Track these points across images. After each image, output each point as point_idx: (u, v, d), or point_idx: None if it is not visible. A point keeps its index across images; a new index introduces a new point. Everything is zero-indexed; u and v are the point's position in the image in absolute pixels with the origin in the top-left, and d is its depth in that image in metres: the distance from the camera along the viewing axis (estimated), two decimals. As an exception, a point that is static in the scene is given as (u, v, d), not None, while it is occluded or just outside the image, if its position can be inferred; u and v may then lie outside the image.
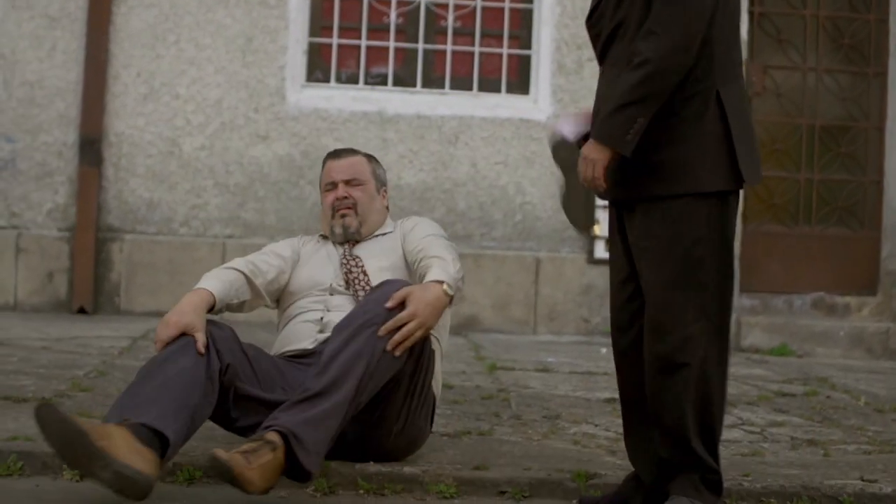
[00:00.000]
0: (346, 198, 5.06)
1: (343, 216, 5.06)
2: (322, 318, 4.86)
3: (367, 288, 4.85)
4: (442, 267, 4.65)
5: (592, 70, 9.42)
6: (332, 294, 4.92)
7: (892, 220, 9.88)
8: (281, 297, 5.06)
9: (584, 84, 9.42)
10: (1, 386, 5.87)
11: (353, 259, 4.99)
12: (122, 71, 9.34)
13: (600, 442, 5.46)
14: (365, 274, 4.93)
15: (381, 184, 5.21)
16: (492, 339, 8.81)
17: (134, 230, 9.34)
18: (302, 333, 4.87)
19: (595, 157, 4.07)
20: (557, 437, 5.46)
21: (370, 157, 5.26)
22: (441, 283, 4.56)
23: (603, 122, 4.07)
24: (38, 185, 9.29)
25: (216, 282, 4.78)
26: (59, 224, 9.29)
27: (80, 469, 4.09)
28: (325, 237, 5.17)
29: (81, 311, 9.11)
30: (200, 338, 4.47)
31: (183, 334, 4.46)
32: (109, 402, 5.53)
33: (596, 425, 5.87)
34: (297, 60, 9.50)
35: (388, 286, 4.53)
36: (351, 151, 5.24)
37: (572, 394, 6.57)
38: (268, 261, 4.98)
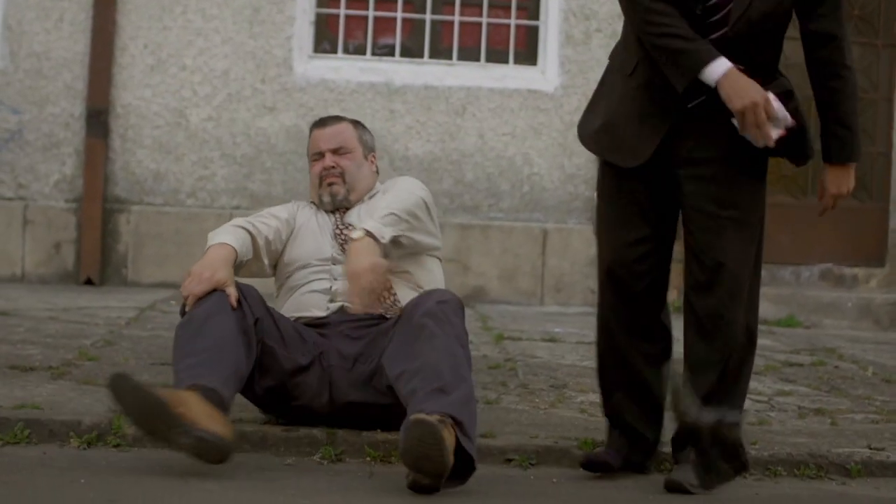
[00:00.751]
0: (333, 167, 5.03)
1: (330, 185, 5.03)
2: (331, 288, 4.86)
3: None
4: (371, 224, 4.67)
5: (600, 41, 9.40)
6: (334, 263, 4.90)
7: (900, 191, 9.86)
8: (279, 267, 5.03)
9: (592, 55, 9.39)
10: (8, 355, 5.88)
11: (346, 227, 4.96)
12: (129, 42, 9.32)
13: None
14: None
15: (369, 149, 5.16)
16: (499, 310, 8.80)
17: (141, 201, 9.33)
18: (312, 302, 4.86)
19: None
20: (564, 406, 5.47)
21: (356, 123, 5.21)
22: (361, 237, 4.56)
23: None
24: (45, 157, 9.28)
25: (232, 237, 4.78)
26: (66, 195, 9.29)
27: (158, 437, 4.11)
28: (315, 204, 5.14)
29: (88, 282, 9.11)
30: (233, 292, 4.53)
31: (213, 289, 4.51)
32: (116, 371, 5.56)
33: (603, 394, 5.87)
34: (304, 31, 9.47)
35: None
36: (336, 119, 5.20)
37: (579, 363, 6.57)
38: (266, 222, 4.96)
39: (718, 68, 4.28)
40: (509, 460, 4.71)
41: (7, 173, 9.26)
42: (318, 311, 4.84)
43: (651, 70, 4.41)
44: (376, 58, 9.57)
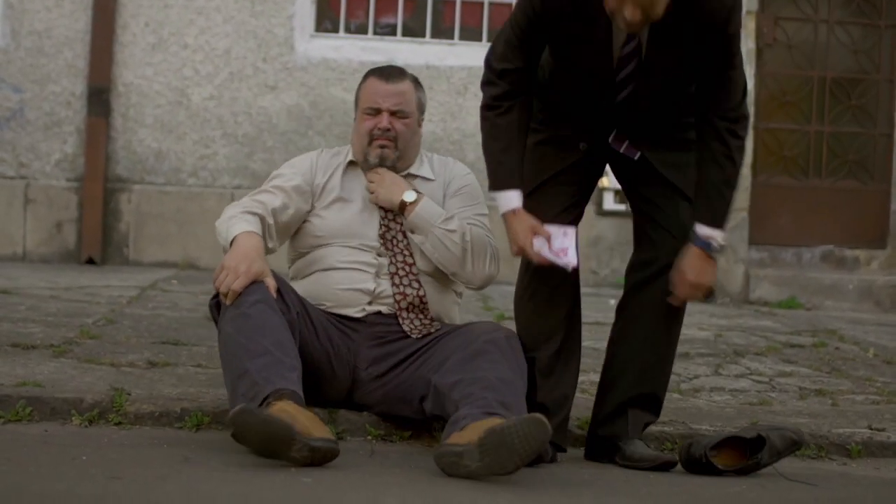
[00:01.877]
0: (388, 129, 4.72)
1: (382, 147, 4.72)
2: (375, 290, 4.66)
3: (407, 255, 4.70)
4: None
5: (602, 21, 9.37)
6: (379, 255, 4.70)
7: (902, 173, 9.85)
8: (296, 237, 4.83)
9: (594, 35, 9.36)
10: (10, 333, 5.88)
11: (395, 219, 4.73)
12: (130, 20, 9.31)
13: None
14: (404, 236, 4.72)
15: (422, 113, 4.84)
16: (500, 291, 8.76)
17: (142, 180, 9.33)
18: (350, 301, 4.67)
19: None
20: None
21: (416, 82, 4.86)
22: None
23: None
24: (47, 136, 9.28)
25: (253, 225, 4.58)
26: (67, 174, 9.28)
27: (276, 455, 4.03)
28: (353, 163, 4.84)
29: (90, 261, 9.11)
30: (272, 283, 4.42)
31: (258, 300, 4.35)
32: (118, 350, 5.59)
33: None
34: (305, 10, 9.45)
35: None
36: (400, 73, 4.81)
37: (580, 344, 6.55)
38: (273, 202, 4.70)
39: (508, 202, 4.43)
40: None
41: (8, 152, 9.26)
42: (355, 313, 4.66)
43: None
44: (378, 37, 9.55)
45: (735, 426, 4.83)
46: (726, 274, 9.45)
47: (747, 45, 9.54)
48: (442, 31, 9.60)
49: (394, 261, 4.68)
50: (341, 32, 9.55)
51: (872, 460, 4.86)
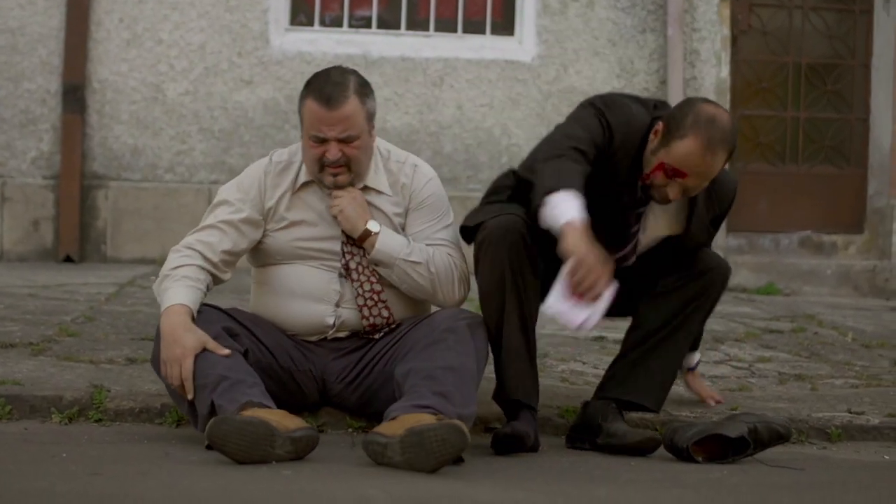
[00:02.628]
0: (339, 158, 4.43)
1: (335, 175, 4.46)
2: (334, 323, 4.56)
3: (374, 282, 4.56)
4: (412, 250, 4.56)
5: (577, 10, 9.39)
6: (342, 276, 4.57)
7: (878, 157, 9.87)
8: (256, 253, 4.65)
9: (569, 24, 9.38)
10: (-12, 332, 5.86)
11: (358, 246, 4.57)
12: (104, 16, 9.28)
13: (588, 379, 5.47)
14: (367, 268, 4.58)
15: (373, 120, 4.50)
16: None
17: (119, 177, 9.30)
18: (307, 330, 4.59)
19: None
20: (545, 375, 5.47)
21: (362, 92, 4.46)
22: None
23: None
24: (22, 133, 9.24)
25: (184, 290, 4.37)
26: (43, 172, 9.25)
27: (261, 457, 4.00)
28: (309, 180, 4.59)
29: (68, 259, 9.09)
30: (214, 346, 4.24)
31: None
32: (97, 347, 5.57)
33: (584, 363, 5.89)
34: (280, 4, 9.43)
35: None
36: (342, 93, 4.39)
37: (559, 333, 6.57)
38: (222, 243, 4.51)
39: (565, 210, 4.18)
40: (491, 429, 4.71)
41: (-16, 150, 9.22)
42: (314, 337, 4.61)
43: None
44: (353, 30, 9.54)
45: (715, 412, 4.85)
46: (705, 261, 9.46)
47: (722, 31, 9.56)
48: (417, 23, 9.59)
49: (360, 291, 4.55)
50: (316, 26, 9.53)
51: (852, 444, 4.87)
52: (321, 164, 4.45)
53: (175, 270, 4.43)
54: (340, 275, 4.56)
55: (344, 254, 4.55)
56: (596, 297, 4.12)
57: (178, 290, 4.36)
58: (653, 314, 4.70)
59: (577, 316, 4.17)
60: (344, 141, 4.41)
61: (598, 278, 4.10)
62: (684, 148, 4.34)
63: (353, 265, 4.55)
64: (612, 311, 4.38)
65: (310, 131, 4.43)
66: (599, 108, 4.52)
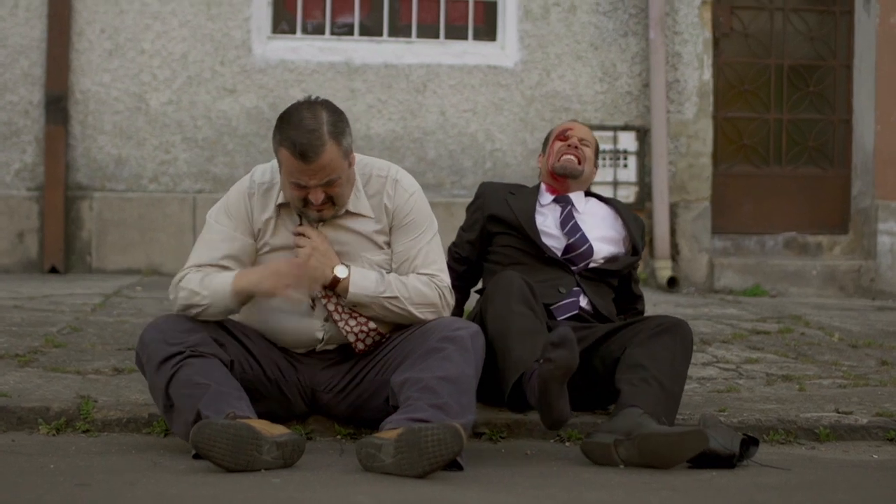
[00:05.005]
0: (322, 199, 4.42)
1: (319, 211, 4.45)
2: (323, 337, 4.58)
3: (359, 317, 4.55)
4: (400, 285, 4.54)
5: (559, 15, 9.39)
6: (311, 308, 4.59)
7: (861, 158, 9.89)
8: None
9: (551, 29, 9.38)
10: (-27, 344, 5.85)
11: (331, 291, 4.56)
12: (85, 27, 9.26)
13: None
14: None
15: (350, 153, 4.44)
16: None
17: (103, 188, 9.28)
18: (296, 344, 4.62)
19: None
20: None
21: (336, 133, 4.35)
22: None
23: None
24: (6, 145, 9.22)
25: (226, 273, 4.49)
26: (27, 184, 9.23)
27: (248, 463, 4.00)
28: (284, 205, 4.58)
29: (53, 270, 9.06)
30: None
31: (192, 353, 4.30)
32: (84, 358, 5.55)
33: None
34: (262, 12, 9.43)
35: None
36: (318, 144, 4.30)
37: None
38: (225, 248, 4.54)
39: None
40: (479, 434, 4.71)
41: (-33, 163, 9.20)
42: (301, 349, 4.63)
43: None
44: (335, 37, 9.54)
45: (703, 411, 4.85)
46: (690, 263, 9.49)
47: (704, 34, 9.58)
48: (399, 30, 9.59)
49: (348, 329, 4.55)
50: (298, 33, 9.53)
51: (841, 443, 4.88)
52: (304, 202, 4.43)
53: (203, 279, 4.47)
54: (311, 306, 4.54)
55: (314, 305, 4.55)
56: None
57: (223, 274, 4.45)
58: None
59: None
60: (328, 184, 4.38)
61: None
62: (557, 126, 5.54)
63: (331, 307, 4.54)
64: (588, 405, 4.89)
65: (289, 178, 4.40)
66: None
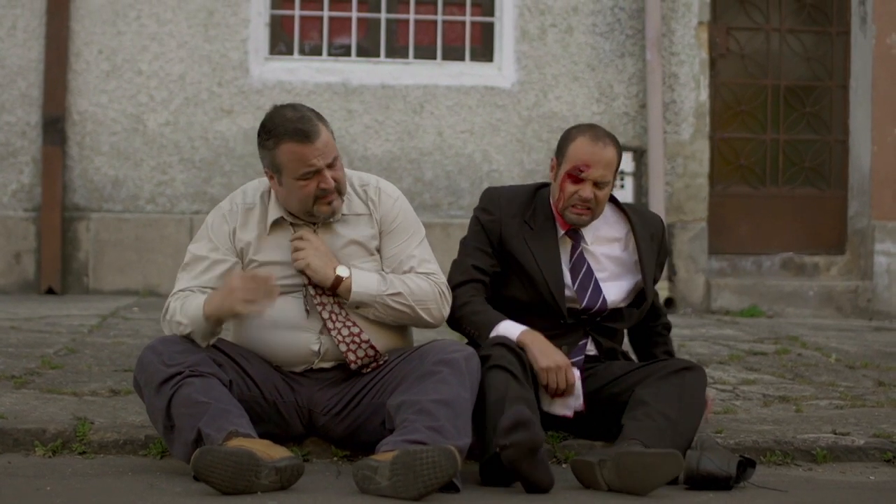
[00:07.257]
0: (335, 184, 4.50)
1: (330, 202, 4.52)
2: (319, 350, 4.56)
3: (351, 326, 4.55)
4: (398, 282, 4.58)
5: (555, 35, 9.41)
6: (307, 311, 4.60)
7: (858, 178, 9.90)
8: None
9: (548, 50, 9.40)
10: (-30, 366, 5.84)
11: (325, 295, 4.56)
12: (83, 48, 9.27)
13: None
14: (340, 307, 4.56)
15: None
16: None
17: (100, 208, 9.29)
18: (292, 361, 4.60)
19: None
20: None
21: (321, 118, 4.56)
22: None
23: None
24: (3, 166, 9.22)
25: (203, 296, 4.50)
26: (24, 205, 9.23)
27: (246, 487, 4.01)
28: (277, 221, 4.62)
29: (50, 291, 9.06)
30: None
31: (192, 372, 4.31)
32: (80, 379, 5.54)
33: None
34: (259, 33, 9.44)
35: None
36: (314, 125, 4.48)
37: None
38: (214, 270, 4.59)
39: (511, 330, 4.69)
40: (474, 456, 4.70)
41: (-36, 184, 9.20)
42: (298, 368, 4.61)
43: None
44: (332, 58, 9.55)
45: (699, 432, 4.85)
46: (687, 284, 9.49)
47: (701, 55, 9.60)
48: (396, 51, 9.61)
49: (341, 338, 4.54)
50: (296, 55, 9.54)
51: (838, 465, 4.88)
52: (316, 198, 4.48)
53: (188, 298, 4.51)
54: (307, 311, 4.55)
55: (306, 311, 4.55)
56: (571, 388, 4.63)
57: (198, 299, 4.47)
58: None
59: (567, 409, 4.68)
60: (331, 166, 4.47)
61: (564, 375, 4.60)
62: (577, 144, 4.88)
63: (325, 315, 4.54)
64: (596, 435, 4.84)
65: (299, 171, 4.45)
66: (477, 209, 4.98)
